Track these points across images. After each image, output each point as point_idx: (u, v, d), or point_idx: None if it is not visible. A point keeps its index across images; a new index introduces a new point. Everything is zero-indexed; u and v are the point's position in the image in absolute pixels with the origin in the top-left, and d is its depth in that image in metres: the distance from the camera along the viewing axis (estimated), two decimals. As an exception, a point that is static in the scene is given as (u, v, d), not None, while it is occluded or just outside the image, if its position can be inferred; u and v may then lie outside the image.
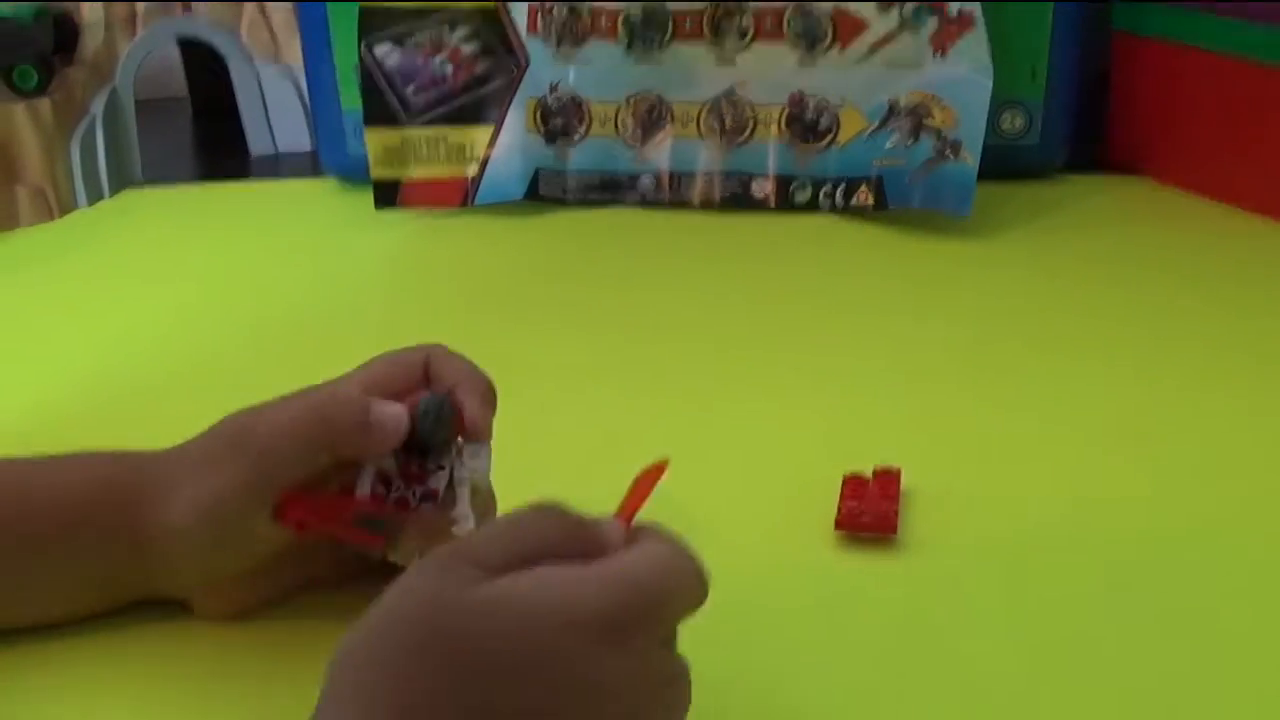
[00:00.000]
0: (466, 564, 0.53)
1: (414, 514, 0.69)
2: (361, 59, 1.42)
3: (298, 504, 0.68)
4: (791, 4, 1.41)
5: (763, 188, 1.43)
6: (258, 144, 1.82)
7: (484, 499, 0.71)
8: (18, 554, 0.70)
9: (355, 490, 0.69)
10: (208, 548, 0.69)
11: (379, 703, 0.50)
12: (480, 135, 1.44)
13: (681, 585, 0.56)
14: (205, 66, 1.88)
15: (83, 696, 0.68)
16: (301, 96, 1.78)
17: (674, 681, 0.56)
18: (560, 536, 0.56)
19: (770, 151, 1.43)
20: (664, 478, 0.67)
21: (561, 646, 0.51)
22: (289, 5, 1.72)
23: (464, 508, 0.69)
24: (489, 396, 0.72)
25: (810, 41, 1.41)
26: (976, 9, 1.36)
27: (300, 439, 0.68)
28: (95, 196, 1.57)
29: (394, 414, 0.69)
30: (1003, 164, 1.43)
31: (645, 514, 0.63)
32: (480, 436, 0.71)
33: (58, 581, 0.71)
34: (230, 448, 0.69)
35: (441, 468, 0.70)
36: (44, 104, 1.49)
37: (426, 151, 1.43)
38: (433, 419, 0.69)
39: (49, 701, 0.68)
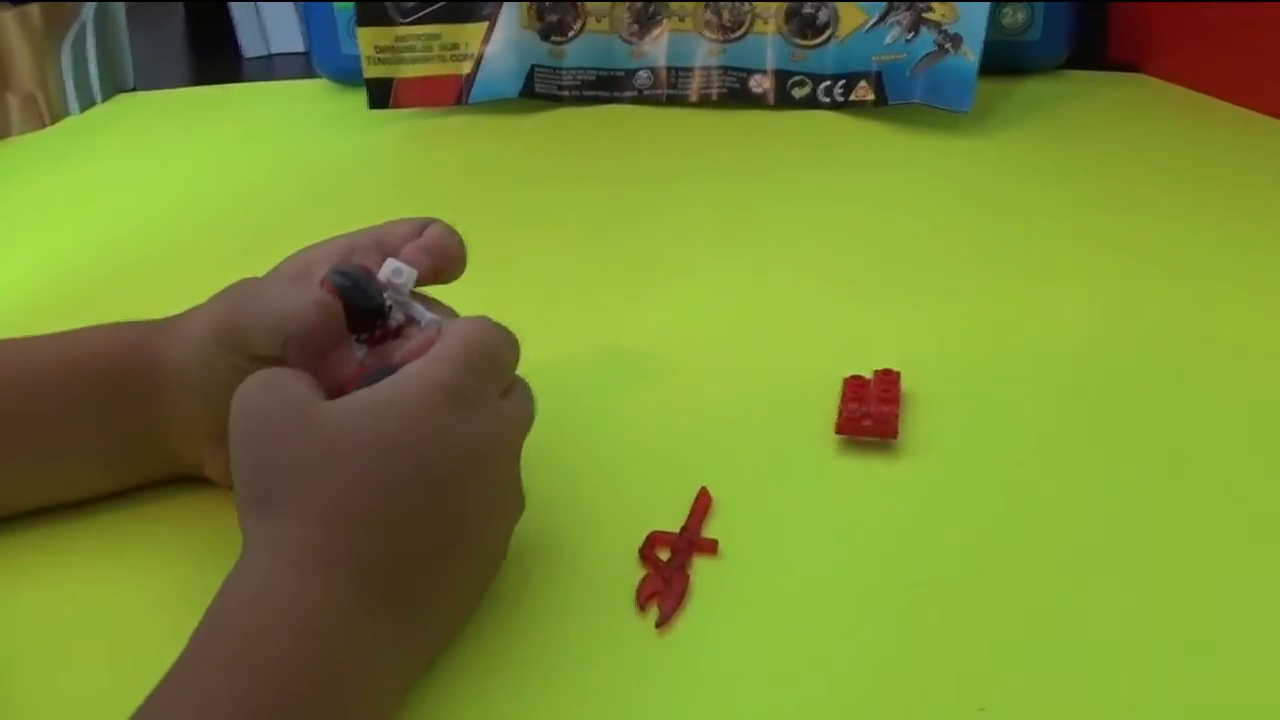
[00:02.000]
0: None
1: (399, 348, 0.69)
2: (353, -44, 1.41)
3: None
4: (789, -104, 1.40)
5: (761, 83, 1.42)
6: (250, 46, 1.80)
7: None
8: (42, 415, 0.71)
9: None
10: (192, 383, 0.70)
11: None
12: (474, 32, 1.42)
13: (499, 343, 0.66)
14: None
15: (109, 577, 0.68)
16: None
17: (514, 418, 0.66)
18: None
19: (768, 46, 1.42)
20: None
21: (426, 419, 0.60)
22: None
23: (422, 313, 0.70)
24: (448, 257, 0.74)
25: (808, -65, 1.40)
26: (977, -100, 1.34)
27: (284, 318, 0.68)
28: (87, 103, 1.55)
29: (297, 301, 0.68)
30: (1003, 60, 1.43)
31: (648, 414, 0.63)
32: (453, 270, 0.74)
33: (78, 443, 0.72)
34: (227, 293, 0.71)
35: (389, 308, 0.70)
36: (33, 10, 1.47)
37: (420, 50, 1.42)
38: (353, 289, 0.69)
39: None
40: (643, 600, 0.66)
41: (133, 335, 0.73)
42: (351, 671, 0.53)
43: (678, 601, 0.66)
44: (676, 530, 0.70)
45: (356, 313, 0.68)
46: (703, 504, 0.73)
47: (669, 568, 0.68)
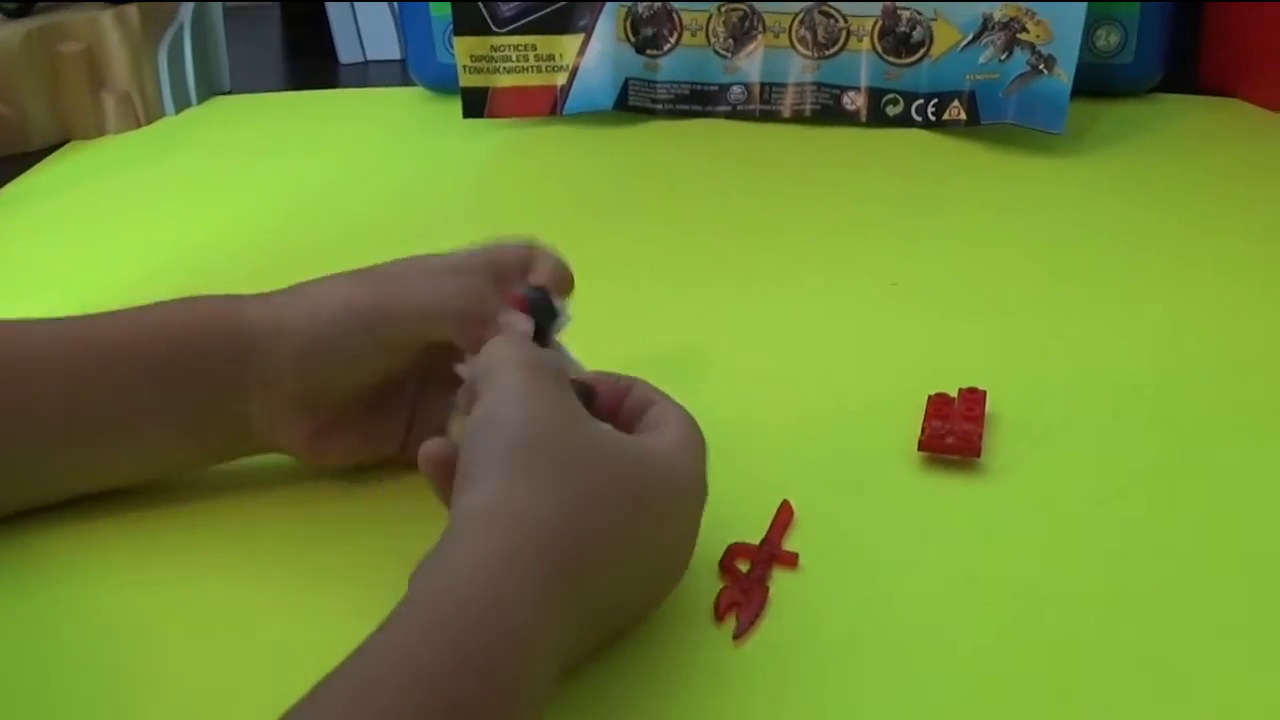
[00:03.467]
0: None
1: None
2: (451, -35, 1.42)
3: None
4: (886, -85, 1.40)
5: (854, 100, 1.42)
6: (346, 51, 1.81)
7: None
8: (120, 382, 0.73)
9: None
10: (311, 353, 0.72)
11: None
12: (570, 44, 1.43)
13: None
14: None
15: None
16: (391, 3, 1.77)
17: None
18: None
19: (862, 64, 1.42)
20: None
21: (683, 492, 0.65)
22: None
23: (572, 357, 0.74)
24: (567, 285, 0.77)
25: (904, -47, 1.40)
26: (1074, -78, 1.34)
27: (432, 306, 0.72)
28: (183, 104, 1.57)
29: (516, 322, 0.71)
30: (1096, 81, 1.42)
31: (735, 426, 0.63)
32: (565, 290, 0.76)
33: (155, 411, 0.74)
34: (358, 277, 0.75)
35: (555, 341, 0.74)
36: (132, 10, 1.49)
37: (515, 60, 1.42)
38: (543, 309, 0.72)
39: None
40: (721, 611, 0.66)
41: (210, 306, 0.75)
42: (528, 648, 0.54)
43: (756, 613, 0.66)
44: (757, 542, 0.71)
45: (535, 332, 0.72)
46: (784, 517, 0.73)
47: (748, 579, 0.68)
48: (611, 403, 0.69)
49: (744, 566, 0.69)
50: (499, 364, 0.65)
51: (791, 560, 0.70)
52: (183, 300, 0.75)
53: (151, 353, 0.73)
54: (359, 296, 0.72)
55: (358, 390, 0.74)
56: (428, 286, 0.72)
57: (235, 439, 0.76)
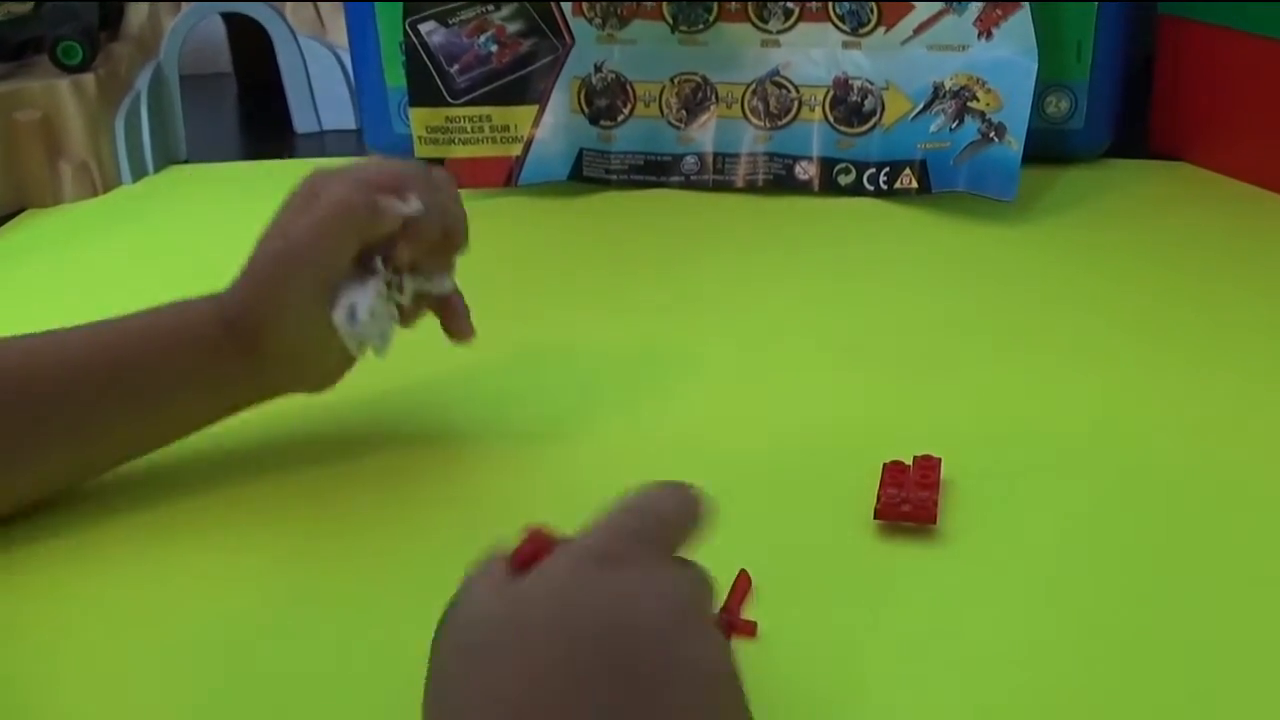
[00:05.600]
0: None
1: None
2: (406, 37, 1.42)
3: None
4: (836, -15, 1.41)
5: (807, 170, 1.43)
6: (302, 121, 1.82)
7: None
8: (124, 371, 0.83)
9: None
10: (268, 324, 0.83)
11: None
12: (524, 115, 1.44)
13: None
14: (250, 42, 1.89)
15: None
16: (346, 74, 1.78)
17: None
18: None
19: (814, 133, 1.43)
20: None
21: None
22: (334, -18, 1.73)
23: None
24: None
25: (855, 23, 1.41)
26: (1022, -9, 1.35)
27: (330, 235, 0.82)
28: (139, 173, 1.58)
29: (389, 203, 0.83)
30: (1047, 147, 1.43)
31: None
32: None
33: (181, 383, 0.85)
34: (272, 231, 0.87)
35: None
36: (89, 79, 1.50)
37: (471, 131, 1.43)
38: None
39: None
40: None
41: (197, 311, 0.86)
42: None
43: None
44: (715, 612, 0.71)
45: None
46: (742, 585, 0.73)
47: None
48: None
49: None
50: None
51: (750, 629, 0.70)
52: (168, 307, 0.87)
53: (158, 347, 0.84)
54: (275, 248, 0.84)
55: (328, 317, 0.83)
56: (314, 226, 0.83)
57: (255, 390, 0.88)
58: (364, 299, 0.82)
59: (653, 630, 0.51)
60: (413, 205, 0.83)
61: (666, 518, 0.59)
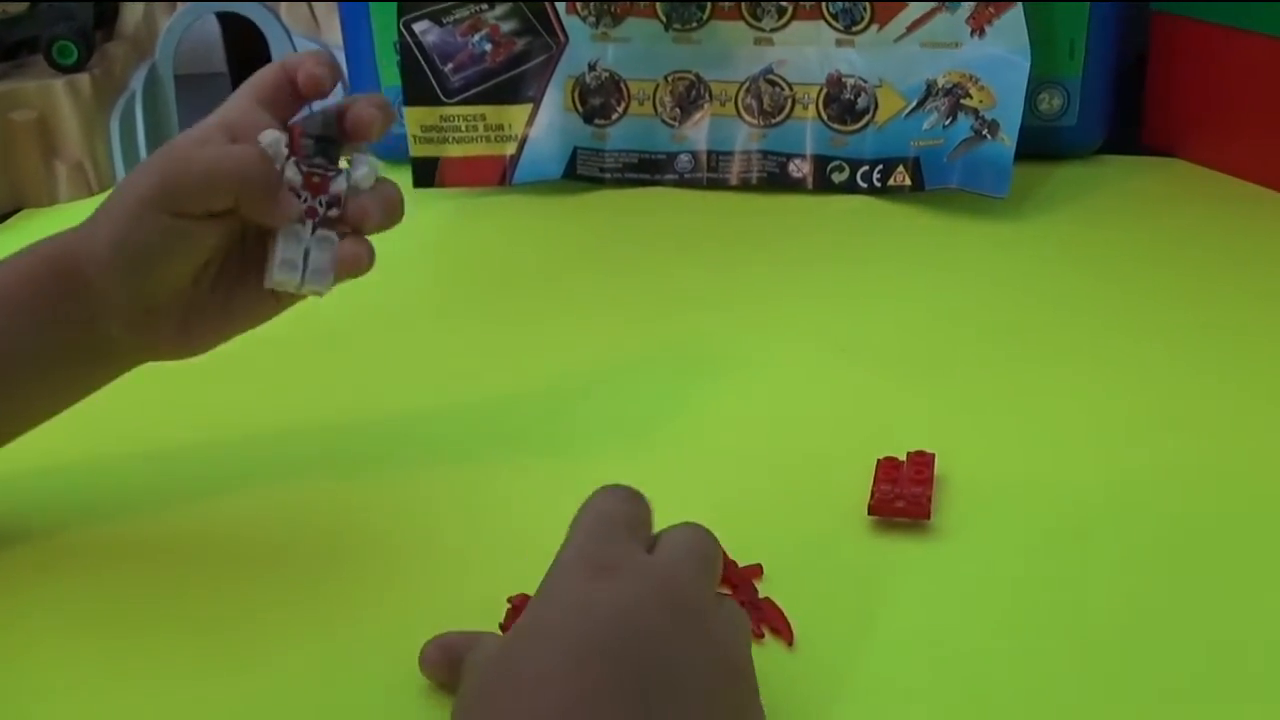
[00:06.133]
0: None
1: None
2: (400, 36, 1.42)
3: None
4: (830, -17, 1.41)
5: (800, 168, 1.43)
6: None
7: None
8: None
9: None
10: (127, 260, 0.75)
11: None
12: (518, 114, 1.44)
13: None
14: (245, 42, 1.88)
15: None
16: (341, 73, 1.78)
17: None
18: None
19: (808, 131, 1.43)
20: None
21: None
22: (328, -18, 1.72)
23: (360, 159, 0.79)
24: (381, 102, 0.81)
25: (848, 21, 1.41)
26: (1014, -11, 1.36)
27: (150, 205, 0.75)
28: (135, 172, 1.57)
29: (237, 153, 0.75)
30: (1040, 144, 1.43)
31: (684, 500, 0.64)
32: (367, 135, 0.80)
33: (28, 364, 0.78)
34: (149, 165, 0.77)
35: (339, 171, 0.78)
36: (84, 79, 1.50)
37: (465, 130, 1.43)
38: (319, 121, 0.77)
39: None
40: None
41: (45, 252, 0.79)
42: None
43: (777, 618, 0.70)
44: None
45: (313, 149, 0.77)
46: (749, 574, 0.74)
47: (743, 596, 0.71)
48: None
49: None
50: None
51: (756, 573, 0.74)
52: (23, 252, 0.80)
53: (11, 307, 0.77)
54: (145, 186, 0.75)
55: (194, 273, 0.77)
56: (207, 157, 0.75)
57: (115, 360, 0.81)
58: (288, 248, 0.77)
59: (657, 634, 0.53)
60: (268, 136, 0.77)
61: (635, 517, 0.62)
